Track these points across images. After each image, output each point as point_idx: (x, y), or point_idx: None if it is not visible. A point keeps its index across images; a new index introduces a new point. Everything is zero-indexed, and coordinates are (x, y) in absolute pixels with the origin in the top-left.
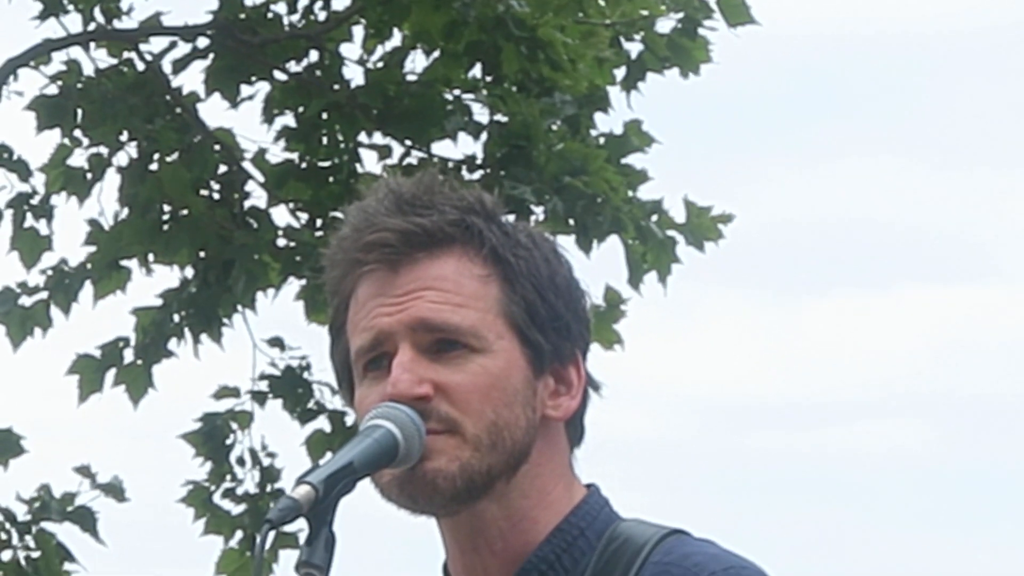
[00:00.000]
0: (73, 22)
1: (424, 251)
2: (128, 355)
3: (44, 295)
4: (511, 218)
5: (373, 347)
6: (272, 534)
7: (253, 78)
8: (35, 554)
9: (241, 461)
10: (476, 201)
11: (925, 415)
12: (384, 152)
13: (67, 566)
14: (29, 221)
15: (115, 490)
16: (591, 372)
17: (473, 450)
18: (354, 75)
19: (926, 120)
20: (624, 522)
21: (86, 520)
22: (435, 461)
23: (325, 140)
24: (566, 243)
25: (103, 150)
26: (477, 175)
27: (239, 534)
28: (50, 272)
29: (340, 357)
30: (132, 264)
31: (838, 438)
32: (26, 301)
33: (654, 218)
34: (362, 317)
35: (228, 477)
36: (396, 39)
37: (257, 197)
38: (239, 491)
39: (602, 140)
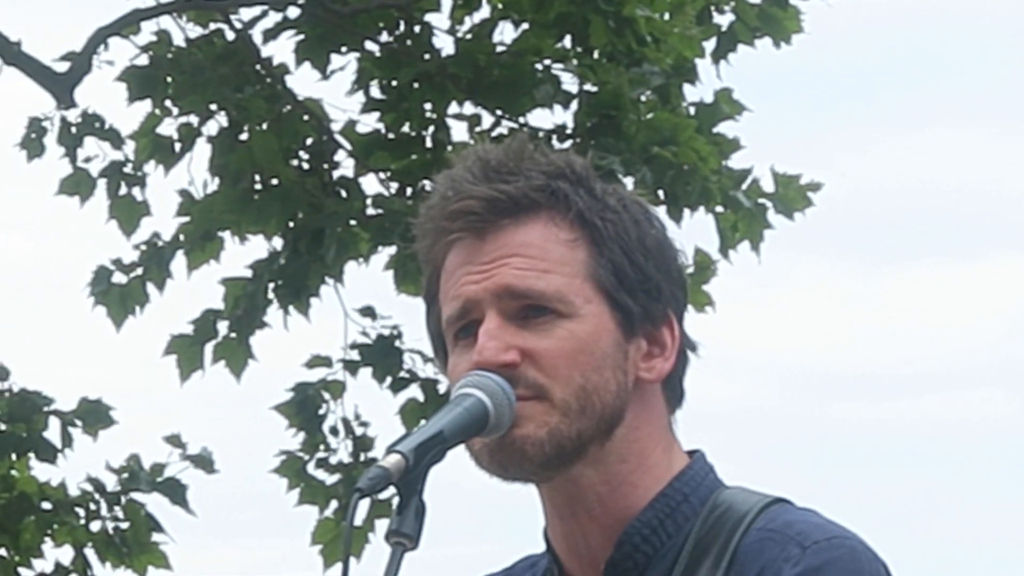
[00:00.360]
0: None
1: (510, 218)
2: (220, 327)
3: (139, 271)
4: (600, 183)
5: (462, 315)
6: (366, 503)
7: (343, 48)
8: (124, 524)
9: (334, 431)
10: (565, 165)
11: (1015, 384)
12: (474, 121)
13: (155, 536)
14: (123, 189)
15: (204, 461)
16: (687, 333)
17: (562, 415)
18: (444, 45)
19: (1017, 90)
20: (728, 489)
21: (175, 492)
22: (524, 428)
23: (414, 110)
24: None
25: (193, 120)
26: (567, 145)
27: (334, 504)
28: (143, 247)
29: (434, 326)
30: (224, 234)
31: (927, 407)
32: (121, 278)
33: (744, 187)
34: (451, 286)
35: (321, 447)
36: (484, 10)
37: (346, 167)
38: (332, 461)
39: (692, 110)
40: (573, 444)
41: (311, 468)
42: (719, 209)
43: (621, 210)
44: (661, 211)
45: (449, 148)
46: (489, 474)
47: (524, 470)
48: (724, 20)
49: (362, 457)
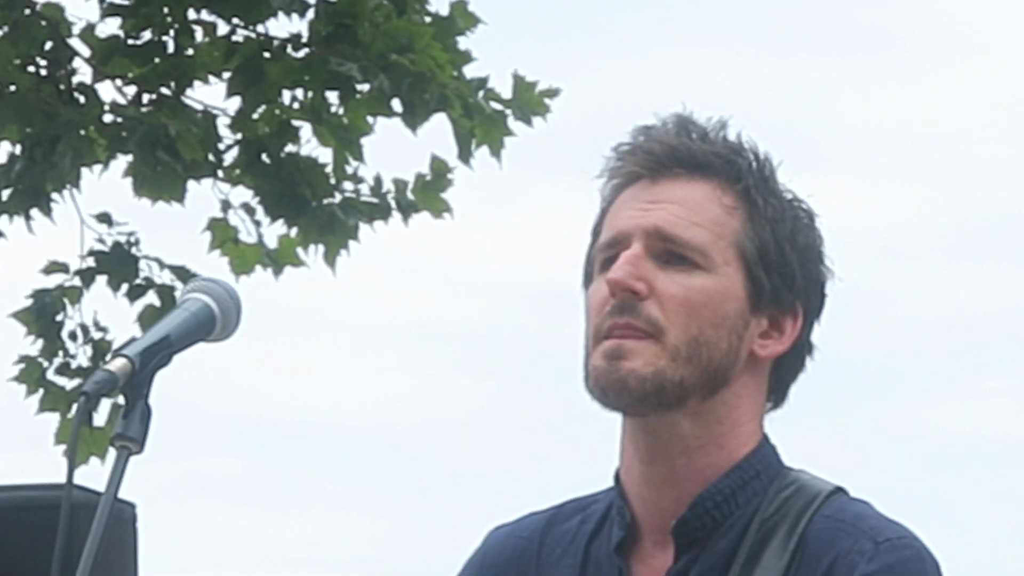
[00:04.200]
0: None
1: (684, 170)
2: None
3: None
4: (778, 181)
5: (612, 244)
6: (108, 405)
7: None
8: None
9: (73, 336)
10: (751, 150)
11: None
12: (209, 29)
13: None
14: None
15: None
16: (811, 339)
17: (670, 360)
18: None
19: (746, 8)
20: (792, 471)
21: None
22: (632, 361)
23: (155, 16)
24: (393, 124)
25: None
26: (302, 53)
27: (75, 407)
28: None
29: (589, 255)
30: None
31: None
32: None
33: (480, 94)
34: (613, 217)
35: (60, 353)
36: None
37: (84, 73)
38: (72, 366)
39: (428, 20)
40: (674, 388)
41: (51, 374)
42: (459, 117)
43: (786, 203)
44: (397, 121)
45: (189, 53)
46: (591, 397)
47: (622, 400)
48: None
49: (101, 363)
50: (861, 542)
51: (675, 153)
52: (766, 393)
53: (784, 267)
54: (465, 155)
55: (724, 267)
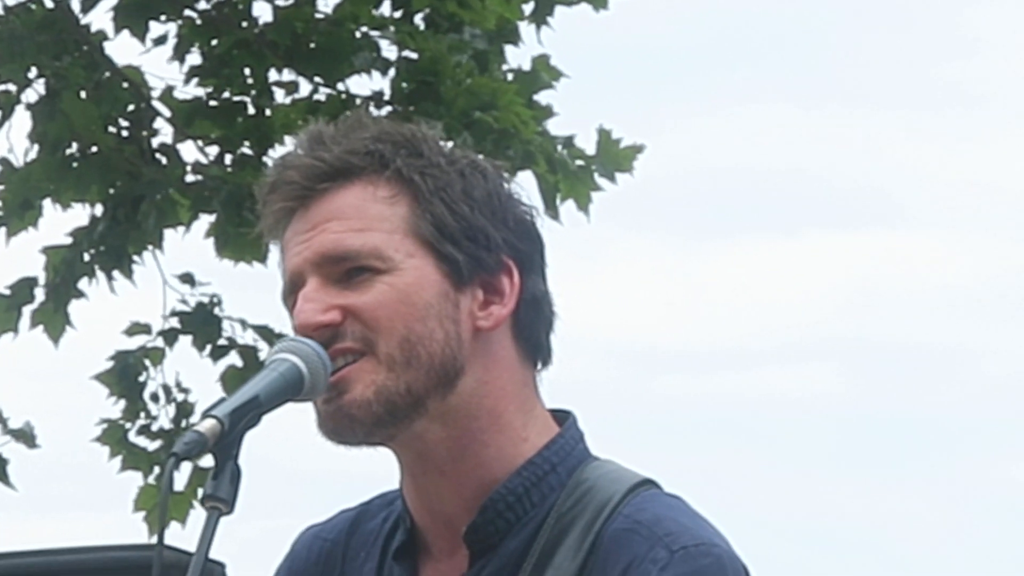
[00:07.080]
0: None
1: (329, 183)
2: (38, 294)
3: None
4: (431, 145)
5: (292, 289)
6: (188, 469)
7: (162, 16)
8: None
9: (155, 397)
10: (392, 131)
11: (834, 359)
12: (291, 88)
13: None
14: None
15: (26, 436)
16: (541, 284)
17: (388, 370)
18: (262, 13)
19: (830, 66)
20: (595, 462)
21: None
22: (352, 392)
23: (235, 77)
24: None
25: (11, 88)
26: (385, 111)
27: (156, 470)
28: None
29: (284, 303)
30: (45, 202)
31: (748, 382)
32: None
33: (565, 151)
34: (286, 258)
35: (142, 414)
36: None
37: (166, 134)
38: (154, 428)
39: (511, 76)
40: (404, 399)
41: (132, 436)
42: (542, 174)
43: (446, 165)
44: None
45: (267, 115)
46: (329, 441)
47: (357, 434)
48: None
49: (183, 423)
50: (656, 549)
51: (314, 171)
52: (519, 364)
53: (471, 229)
54: (553, 212)
55: (408, 259)
